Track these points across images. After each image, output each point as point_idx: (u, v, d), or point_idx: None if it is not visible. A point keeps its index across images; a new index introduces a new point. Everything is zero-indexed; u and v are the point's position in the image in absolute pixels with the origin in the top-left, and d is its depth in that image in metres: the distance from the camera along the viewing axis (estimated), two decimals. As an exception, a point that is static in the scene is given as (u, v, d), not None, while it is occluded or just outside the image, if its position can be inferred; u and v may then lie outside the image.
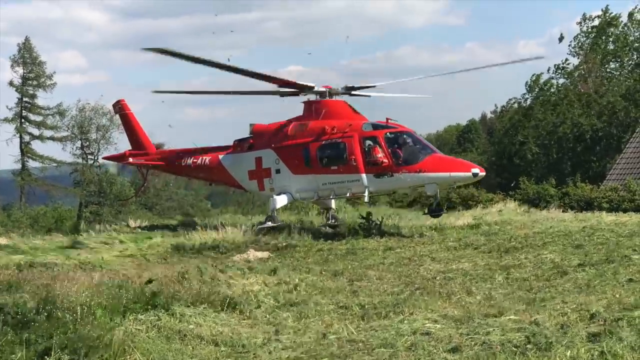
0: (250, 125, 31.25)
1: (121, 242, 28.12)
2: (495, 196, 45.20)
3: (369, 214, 30.82)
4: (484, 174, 28.24)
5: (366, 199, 29.06)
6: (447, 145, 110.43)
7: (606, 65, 76.05)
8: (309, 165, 29.04)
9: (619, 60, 75.86)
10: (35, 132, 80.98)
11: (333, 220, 30.23)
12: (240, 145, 31.27)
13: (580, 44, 76.83)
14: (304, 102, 30.16)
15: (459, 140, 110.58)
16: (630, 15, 75.40)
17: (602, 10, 76.59)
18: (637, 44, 75.07)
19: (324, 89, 29.60)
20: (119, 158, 36.84)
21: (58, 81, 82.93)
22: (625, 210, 36.58)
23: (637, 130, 52.57)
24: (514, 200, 42.34)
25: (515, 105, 79.09)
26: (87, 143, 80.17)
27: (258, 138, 30.71)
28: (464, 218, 32.22)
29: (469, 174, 27.72)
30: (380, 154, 27.90)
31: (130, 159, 34.56)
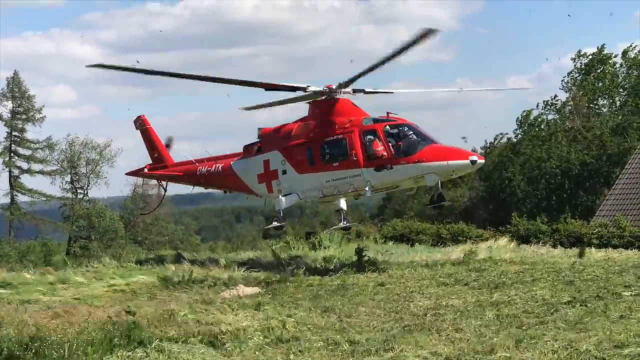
0: (258, 129, 31.16)
1: (110, 277, 27.92)
2: (485, 232, 45.19)
3: (361, 249, 30.79)
4: (483, 161, 28.00)
5: (368, 194, 28.69)
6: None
7: (595, 102, 76.61)
8: (312, 164, 29.06)
9: (609, 97, 76.45)
10: (25, 165, 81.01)
11: (345, 222, 29.57)
12: (249, 150, 31.38)
13: (573, 80, 77.50)
14: (309, 103, 30.07)
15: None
16: (625, 52, 76.05)
17: (597, 47, 77.39)
18: (627, 84, 75.62)
19: (323, 89, 29.33)
20: (138, 172, 37.12)
21: (49, 115, 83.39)
22: (615, 247, 36.64)
23: (626, 166, 52.74)
24: (505, 236, 42.35)
25: (504, 140, 79.42)
26: (77, 177, 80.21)
27: (265, 141, 30.72)
28: (454, 253, 32.18)
29: (467, 161, 27.21)
30: (379, 147, 27.76)
31: (151, 171, 35.25)
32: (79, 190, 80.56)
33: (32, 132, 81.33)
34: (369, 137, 28.09)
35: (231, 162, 31.89)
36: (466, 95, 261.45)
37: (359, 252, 30.34)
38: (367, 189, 28.21)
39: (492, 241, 39.64)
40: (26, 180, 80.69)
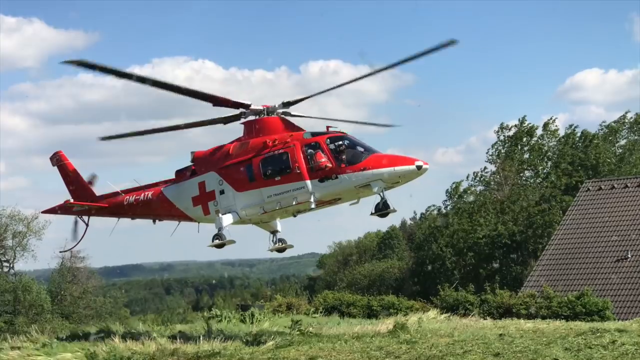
0: (192, 152, 30.94)
1: (35, 355, 27.34)
2: (415, 303, 45.41)
3: (296, 321, 30.75)
4: (427, 166, 27.45)
5: (312, 206, 28.23)
6: (368, 252, 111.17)
7: (521, 174, 78.25)
8: (252, 180, 28.86)
9: (533, 168, 78.20)
10: (-51, 239, 79.12)
11: (280, 243, 30.20)
12: (181, 175, 31.11)
13: (497, 152, 79.14)
14: (244, 123, 30.04)
15: (379, 247, 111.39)
16: (546, 125, 78.22)
17: (518, 120, 79.48)
18: (550, 153, 77.60)
19: (262, 108, 29.53)
20: (58, 209, 34.76)
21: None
22: (543, 317, 37.10)
23: (552, 237, 53.73)
24: (434, 307, 42.60)
25: (435, 212, 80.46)
26: (3, 250, 78.62)
27: (199, 164, 30.53)
28: (385, 324, 32.22)
29: (413, 167, 27.00)
30: (323, 159, 27.71)
31: (73, 207, 33.50)
32: (4, 264, 78.94)
33: (-44, 205, 79.85)
34: (310, 149, 28.11)
35: (162, 189, 31.42)
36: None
37: (294, 324, 30.26)
38: (311, 200, 27.98)
39: (422, 313, 39.83)
40: (-50, 253, 78.90)
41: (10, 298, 74.82)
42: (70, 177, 34.37)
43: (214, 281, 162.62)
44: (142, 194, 31.97)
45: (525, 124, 78.52)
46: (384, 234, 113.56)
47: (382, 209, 28.00)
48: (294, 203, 28.40)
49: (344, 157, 27.75)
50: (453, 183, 78.92)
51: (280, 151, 28.45)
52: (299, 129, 29.48)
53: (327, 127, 29.03)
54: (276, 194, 28.45)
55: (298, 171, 27.95)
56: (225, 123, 30.28)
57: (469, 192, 78.18)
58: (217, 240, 28.97)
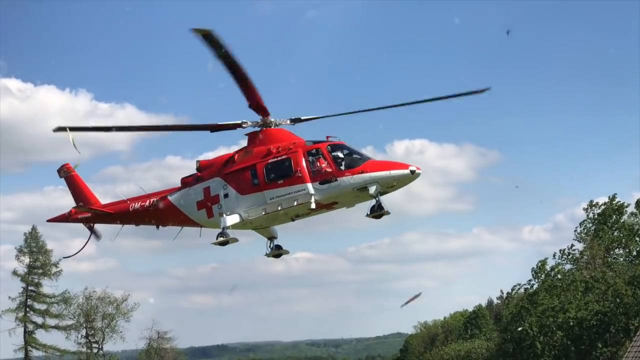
0: (197, 161, 33.17)
1: None
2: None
3: None
4: (420, 171, 29.80)
5: (312, 206, 30.17)
6: (454, 332, 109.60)
7: (611, 252, 76.47)
8: (256, 184, 31.09)
9: (624, 247, 76.25)
10: (39, 320, 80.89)
11: (276, 249, 32.81)
12: (186, 182, 33.28)
13: (586, 230, 77.57)
14: (248, 134, 32.27)
15: (466, 326, 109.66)
16: (638, 203, 75.96)
17: (608, 197, 77.68)
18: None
19: (259, 120, 31.74)
20: (63, 217, 36.87)
21: (66, 269, 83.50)
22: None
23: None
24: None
25: (521, 291, 79.07)
26: (92, 331, 79.94)
27: (205, 171, 32.75)
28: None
29: (407, 171, 29.53)
30: (324, 163, 30.17)
31: (78, 213, 35.62)
32: (94, 345, 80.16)
33: (48, 287, 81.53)
34: (312, 156, 30.56)
35: (167, 195, 33.54)
36: (481, 244, 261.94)
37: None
38: (311, 201, 30.04)
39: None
40: (41, 335, 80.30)
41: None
42: (76, 187, 36.32)
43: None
44: (148, 201, 34.10)
45: (615, 202, 76.80)
46: (470, 314, 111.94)
47: (377, 210, 30.25)
48: (294, 204, 30.50)
49: (343, 162, 30.27)
50: (539, 261, 77.61)
51: (284, 157, 30.87)
52: (299, 137, 31.79)
53: (327, 137, 31.33)
54: (278, 195, 30.70)
55: (300, 175, 30.31)
56: (212, 131, 32.31)
57: (556, 270, 76.64)
58: (220, 238, 31.14)
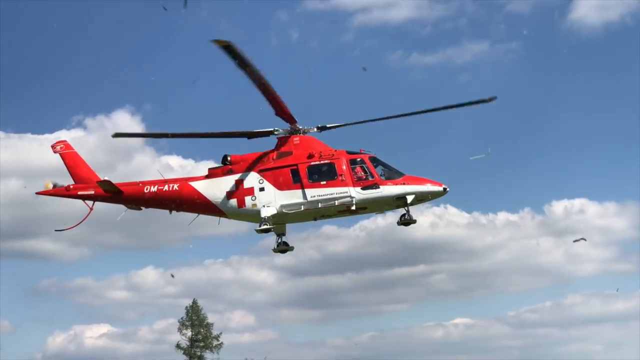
0: (227, 155, 36.08)
1: None
2: None
3: None
4: (449, 189, 34.69)
5: (353, 207, 34.12)
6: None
7: None
8: (297, 182, 34.47)
9: None
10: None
11: (283, 245, 36.26)
12: (214, 173, 36.34)
13: None
14: (280, 137, 35.83)
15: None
16: None
17: None
18: None
19: (290, 127, 35.38)
20: (61, 192, 37.72)
21: (227, 341, 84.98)
22: None
23: None
24: None
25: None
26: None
27: (236, 165, 35.80)
28: None
29: (441, 188, 34.64)
30: (367, 172, 34.23)
31: (78, 191, 37.23)
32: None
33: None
34: (354, 164, 34.68)
35: (191, 182, 36.37)
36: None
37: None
38: (353, 202, 33.89)
39: None
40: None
41: None
42: (75, 164, 37.34)
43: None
44: (166, 185, 36.41)
45: None
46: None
47: (407, 219, 34.71)
48: (335, 204, 34.28)
49: (384, 172, 34.63)
50: None
51: (327, 161, 34.64)
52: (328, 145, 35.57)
53: (361, 150, 35.38)
54: (320, 195, 34.23)
55: (343, 179, 34.06)
56: (250, 138, 35.87)
57: None
58: (264, 226, 34.39)
